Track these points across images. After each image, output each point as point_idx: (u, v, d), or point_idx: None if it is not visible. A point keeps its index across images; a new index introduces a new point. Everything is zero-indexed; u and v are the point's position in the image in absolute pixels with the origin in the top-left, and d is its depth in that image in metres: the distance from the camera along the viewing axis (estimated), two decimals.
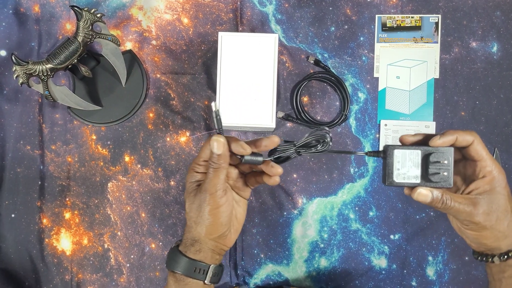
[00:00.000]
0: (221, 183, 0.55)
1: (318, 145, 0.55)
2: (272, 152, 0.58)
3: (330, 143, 0.55)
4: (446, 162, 0.54)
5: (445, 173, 0.54)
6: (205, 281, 0.58)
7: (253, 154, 0.57)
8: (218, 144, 0.54)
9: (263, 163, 0.57)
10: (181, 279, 0.57)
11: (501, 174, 0.55)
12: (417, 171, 0.55)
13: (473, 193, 0.56)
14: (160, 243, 0.89)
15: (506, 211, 0.54)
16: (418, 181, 0.55)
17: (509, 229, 0.55)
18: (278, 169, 0.58)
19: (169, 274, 0.59)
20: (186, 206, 0.58)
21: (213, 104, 0.54)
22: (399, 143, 0.58)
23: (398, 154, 0.55)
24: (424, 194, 0.54)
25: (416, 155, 0.55)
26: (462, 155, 0.58)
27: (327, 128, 0.55)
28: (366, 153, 0.58)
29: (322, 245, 0.89)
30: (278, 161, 0.58)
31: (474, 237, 0.56)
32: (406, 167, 0.55)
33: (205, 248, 0.58)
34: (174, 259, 0.58)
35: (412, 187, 0.56)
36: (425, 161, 0.55)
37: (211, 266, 0.58)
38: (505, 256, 0.55)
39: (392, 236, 0.89)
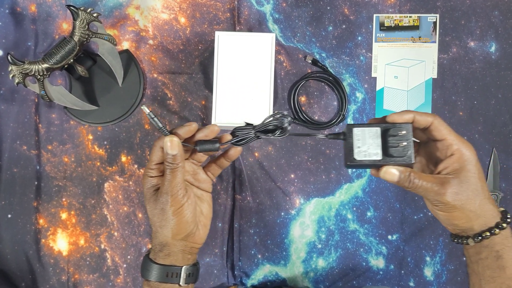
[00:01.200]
0: (180, 182, 0.55)
1: (277, 131, 0.55)
2: (232, 134, 0.58)
3: (289, 128, 0.55)
4: (404, 132, 0.53)
5: (404, 143, 0.53)
6: (180, 283, 0.57)
7: (207, 141, 0.57)
8: (172, 145, 0.53)
9: (221, 149, 0.57)
10: (155, 286, 0.57)
11: (470, 151, 0.53)
12: (378, 148, 0.54)
13: (443, 173, 0.54)
14: None
15: (476, 189, 0.52)
16: (380, 157, 0.54)
17: (481, 208, 0.53)
18: (236, 151, 0.59)
19: (144, 283, 0.58)
20: (148, 213, 0.57)
21: (143, 107, 0.54)
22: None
23: (357, 132, 0.54)
24: (391, 172, 0.53)
25: (375, 132, 0.54)
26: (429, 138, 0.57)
27: (285, 112, 0.55)
28: (327, 136, 0.57)
29: (319, 246, 0.89)
30: (237, 144, 0.58)
31: (445, 217, 0.55)
32: (367, 144, 0.54)
33: (174, 250, 0.57)
34: (146, 268, 0.58)
35: (375, 165, 0.54)
36: (385, 137, 0.54)
37: (183, 268, 0.57)
38: (479, 237, 0.53)
39: (390, 237, 0.89)
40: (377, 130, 0.54)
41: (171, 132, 0.55)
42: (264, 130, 0.56)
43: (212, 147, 0.56)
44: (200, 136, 0.57)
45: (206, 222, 0.61)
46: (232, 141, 0.57)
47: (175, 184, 0.54)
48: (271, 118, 0.55)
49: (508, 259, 0.53)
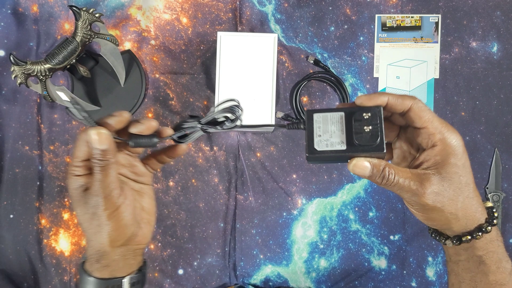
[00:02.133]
0: (114, 181, 0.45)
1: (226, 122, 0.48)
2: (175, 129, 0.50)
3: (240, 119, 0.48)
4: (369, 115, 0.44)
5: (370, 128, 0.44)
6: None
7: (143, 135, 0.47)
8: (100, 138, 0.43)
9: (160, 143, 0.48)
10: None
11: (455, 140, 0.44)
12: (342, 136, 0.45)
13: (422, 167, 0.45)
14: (159, 244, 0.89)
15: (459, 187, 0.44)
16: (344, 147, 0.45)
17: (464, 209, 0.45)
18: (180, 149, 0.50)
19: None
20: (78, 218, 0.47)
21: (60, 93, 0.48)
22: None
23: (318, 118, 0.47)
24: (362, 165, 0.44)
25: (339, 117, 0.46)
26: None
27: (236, 101, 0.48)
28: (285, 126, 0.50)
29: (321, 246, 0.89)
30: (180, 141, 0.50)
31: (421, 218, 0.47)
32: (329, 132, 0.46)
33: (114, 259, 0.48)
34: (82, 280, 0.48)
35: (342, 157, 0.46)
36: (349, 123, 0.45)
37: (125, 279, 0.48)
38: (458, 242, 0.46)
39: (392, 237, 0.89)
40: (341, 115, 0.46)
41: (99, 123, 0.45)
42: (212, 122, 0.48)
43: (149, 142, 0.47)
44: (134, 131, 0.47)
45: (149, 218, 0.51)
46: (173, 136, 0.49)
47: (107, 184, 0.44)
48: (222, 108, 0.47)
49: (491, 265, 0.47)
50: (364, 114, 0.45)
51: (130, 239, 0.48)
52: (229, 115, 0.48)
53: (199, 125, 0.48)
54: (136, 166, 0.52)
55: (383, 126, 0.44)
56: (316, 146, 0.45)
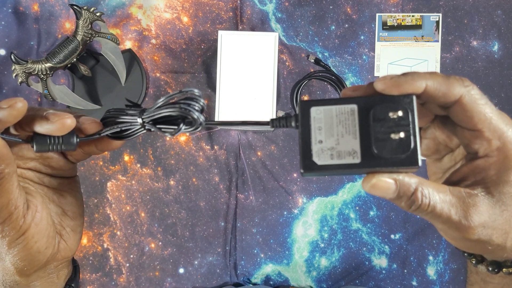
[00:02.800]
0: (15, 196, 0.31)
1: (182, 124, 0.32)
2: (105, 121, 0.36)
3: (201, 120, 0.32)
4: (400, 114, 0.29)
5: (399, 131, 0.29)
6: None
7: (53, 136, 0.33)
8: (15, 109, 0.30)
9: (82, 146, 0.35)
10: None
11: None
12: (355, 142, 0.30)
13: (466, 182, 0.31)
14: (160, 243, 0.89)
15: None
16: (358, 160, 0.30)
17: None
18: (115, 144, 0.37)
19: None
20: None
21: None
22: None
23: (317, 114, 0.31)
24: (383, 187, 0.29)
25: (349, 112, 0.30)
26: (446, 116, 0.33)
27: (196, 91, 0.31)
28: (268, 123, 0.33)
29: (322, 245, 0.89)
30: (117, 136, 0.36)
31: (458, 246, 0.34)
32: (334, 136, 0.30)
33: (31, 285, 0.35)
34: None
35: (352, 172, 0.31)
36: (366, 121, 0.30)
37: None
38: (496, 270, 0.34)
39: (392, 236, 0.89)
40: (352, 109, 0.31)
41: None
42: (158, 119, 0.33)
43: (65, 145, 0.33)
44: (40, 130, 0.32)
45: (74, 223, 0.37)
46: (102, 134, 0.35)
47: (5, 203, 0.31)
48: (174, 103, 0.32)
49: None
50: (390, 111, 0.30)
51: (48, 261, 0.35)
52: (180, 111, 0.32)
53: (140, 120, 0.34)
54: (51, 159, 0.36)
55: (417, 127, 0.29)
56: (315, 158, 0.30)
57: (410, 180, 0.30)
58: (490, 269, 0.34)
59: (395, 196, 0.30)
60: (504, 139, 0.30)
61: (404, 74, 0.30)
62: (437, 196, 0.30)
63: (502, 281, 0.35)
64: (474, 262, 0.35)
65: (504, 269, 0.33)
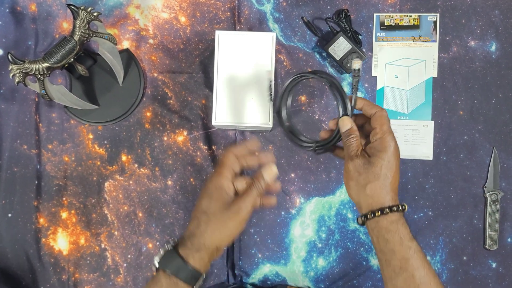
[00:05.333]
0: (256, 203, 0.60)
1: None
2: None
3: None
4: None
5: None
6: (194, 286, 0.58)
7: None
8: (273, 175, 0.62)
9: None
10: (174, 282, 0.57)
11: (391, 145, 0.60)
12: None
13: (365, 151, 0.63)
14: (157, 243, 0.89)
15: (376, 174, 0.59)
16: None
17: (372, 190, 0.59)
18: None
19: (161, 273, 0.57)
20: (212, 212, 0.58)
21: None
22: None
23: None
24: (347, 122, 0.63)
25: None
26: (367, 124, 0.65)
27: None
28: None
29: (320, 245, 0.89)
30: None
31: (345, 181, 0.63)
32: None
33: (208, 255, 0.58)
34: (172, 263, 0.57)
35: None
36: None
37: (202, 275, 0.58)
38: (364, 217, 0.61)
39: None
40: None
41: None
42: None
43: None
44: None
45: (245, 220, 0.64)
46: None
47: (254, 203, 0.59)
48: None
49: (395, 242, 0.58)
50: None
51: (223, 248, 0.60)
52: None
53: None
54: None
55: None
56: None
57: (356, 129, 0.63)
58: (362, 218, 0.61)
59: (346, 129, 0.63)
60: (384, 135, 0.60)
61: (359, 99, 0.65)
62: (357, 143, 0.63)
63: (378, 238, 0.60)
64: (357, 220, 0.65)
65: (368, 216, 0.60)
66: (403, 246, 0.58)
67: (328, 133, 0.67)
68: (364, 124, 0.66)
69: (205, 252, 0.57)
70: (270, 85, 0.71)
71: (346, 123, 0.63)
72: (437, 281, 0.58)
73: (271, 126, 0.81)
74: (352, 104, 0.64)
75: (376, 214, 0.59)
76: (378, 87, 0.90)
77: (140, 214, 0.89)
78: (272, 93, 0.68)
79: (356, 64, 0.64)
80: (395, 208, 0.59)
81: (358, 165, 0.60)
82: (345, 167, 0.63)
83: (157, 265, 0.58)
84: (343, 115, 0.64)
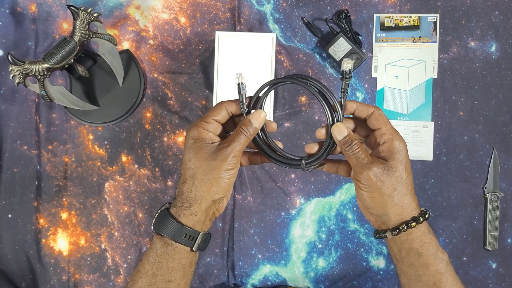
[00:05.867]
0: (243, 149, 0.55)
1: None
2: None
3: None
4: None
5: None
6: (193, 248, 0.55)
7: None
8: (260, 119, 0.55)
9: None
10: (168, 243, 0.54)
11: (401, 143, 0.54)
12: None
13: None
14: None
15: (400, 178, 0.53)
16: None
17: (400, 198, 0.53)
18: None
19: (156, 236, 0.55)
20: (191, 164, 0.54)
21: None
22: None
23: None
24: (342, 129, 0.55)
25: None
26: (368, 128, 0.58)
27: None
28: None
29: (320, 246, 0.89)
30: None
31: (365, 197, 0.54)
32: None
33: (201, 210, 0.54)
34: (163, 223, 0.54)
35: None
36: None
37: (200, 233, 0.55)
38: (396, 230, 0.54)
39: None
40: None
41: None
42: None
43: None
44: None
45: (230, 193, 0.59)
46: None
47: (241, 149, 0.54)
48: None
49: (429, 256, 0.53)
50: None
51: (218, 201, 0.56)
52: None
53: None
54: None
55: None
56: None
57: (354, 135, 0.55)
58: (392, 231, 0.54)
59: (343, 138, 0.54)
60: (392, 134, 0.54)
61: (349, 102, 0.57)
62: (361, 150, 0.54)
63: (407, 251, 0.54)
64: (384, 234, 0.55)
65: (400, 227, 0.53)
66: (437, 260, 0.53)
67: (315, 146, 0.57)
68: (355, 128, 0.59)
69: (197, 208, 0.54)
70: (240, 89, 0.56)
71: (342, 130, 0.54)
72: None
73: None
74: (342, 110, 0.55)
75: (411, 225, 0.53)
76: (378, 87, 0.90)
77: (140, 215, 0.89)
78: (244, 100, 0.56)
79: (347, 65, 0.55)
80: (426, 215, 0.54)
81: (378, 173, 0.52)
82: (359, 180, 0.54)
83: (152, 229, 0.55)
84: (334, 123, 0.55)
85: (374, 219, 0.57)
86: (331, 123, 0.56)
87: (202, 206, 0.54)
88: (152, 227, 0.55)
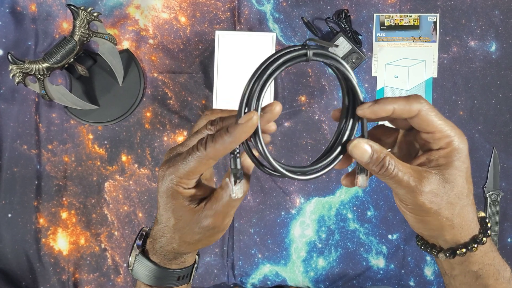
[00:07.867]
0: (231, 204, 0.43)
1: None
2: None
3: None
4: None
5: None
6: (189, 282, 0.49)
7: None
8: (245, 189, 0.44)
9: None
10: None
11: (463, 143, 0.41)
12: None
13: (425, 167, 0.41)
14: None
15: (461, 193, 0.41)
16: None
17: (460, 218, 0.41)
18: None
19: (140, 282, 0.47)
20: (169, 222, 0.43)
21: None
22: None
23: None
24: (362, 148, 0.40)
25: None
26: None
27: None
28: None
29: (320, 245, 0.89)
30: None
31: (413, 221, 0.43)
32: None
33: (190, 254, 0.47)
34: (153, 274, 0.45)
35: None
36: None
37: (194, 266, 0.49)
38: (452, 255, 0.43)
39: (390, 236, 0.89)
40: None
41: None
42: None
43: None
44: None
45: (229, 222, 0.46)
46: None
47: (228, 206, 0.42)
48: None
49: (489, 278, 0.44)
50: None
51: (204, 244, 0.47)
52: None
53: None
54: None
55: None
56: None
57: (382, 149, 0.40)
58: (447, 254, 0.43)
59: (368, 160, 0.40)
60: (450, 137, 0.41)
61: (377, 102, 0.40)
62: (400, 166, 0.40)
63: (462, 271, 0.44)
64: (435, 253, 0.45)
65: (457, 251, 0.42)
66: (499, 280, 0.44)
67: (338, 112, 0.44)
68: (381, 137, 0.45)
69: (183, 257, 0.46)
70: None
71: (363, 150, 0.40)
72: None
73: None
74: (364, 125, 0.42)
75: (473, 249, 0.42)
76: (378, 87, 0.90)
77: (140, 215, 0.89)
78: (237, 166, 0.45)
79: (362, 183, 0.43)
80: (489, 232, 0.43)
81: (433, 195, 0.40)
82: (405, 206, 0.42)
83: (134, 276, 0.47)
84: (354, 138, 0.41)
85: (420, 232, 0.46)
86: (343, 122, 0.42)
87: (190, 253, 0.47)
88: (132, 274, 0.46)
